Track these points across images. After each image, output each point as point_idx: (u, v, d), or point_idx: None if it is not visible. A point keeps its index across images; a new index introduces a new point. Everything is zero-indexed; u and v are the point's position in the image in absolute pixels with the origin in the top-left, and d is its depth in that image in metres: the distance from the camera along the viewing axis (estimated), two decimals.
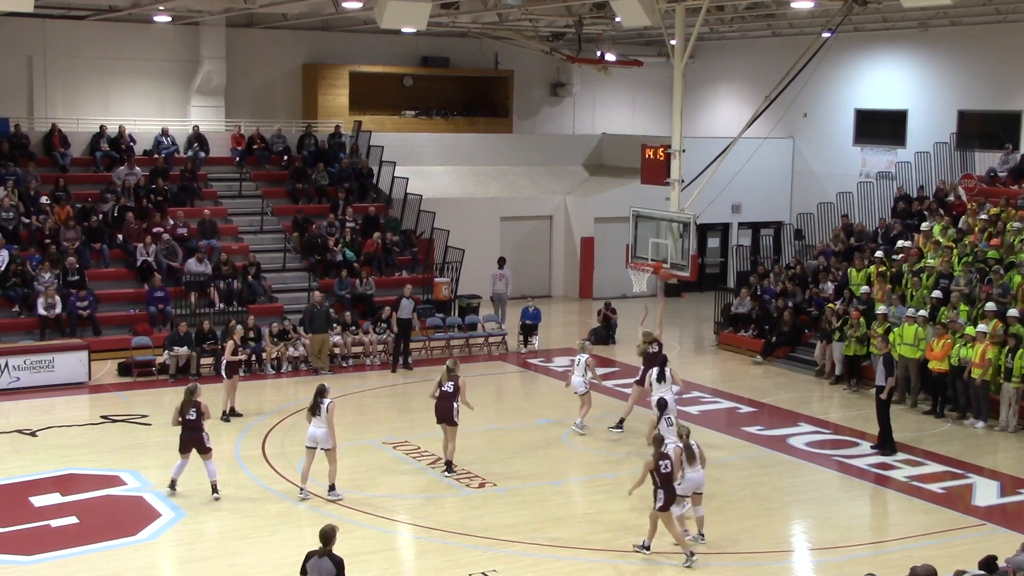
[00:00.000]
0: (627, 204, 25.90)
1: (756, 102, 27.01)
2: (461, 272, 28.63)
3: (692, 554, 13.60)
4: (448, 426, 16.76)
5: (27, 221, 25.82)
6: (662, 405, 16.21)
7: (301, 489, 15.69)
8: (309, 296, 26.40)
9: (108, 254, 26.07)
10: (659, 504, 13.49)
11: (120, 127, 29.28)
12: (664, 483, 13.44)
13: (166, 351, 22.76)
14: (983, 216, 25.24)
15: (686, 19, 24.24)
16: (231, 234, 28.08)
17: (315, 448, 15.58)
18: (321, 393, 15.53)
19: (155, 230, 26.40)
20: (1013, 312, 20.58)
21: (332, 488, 15.68)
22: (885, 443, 18.55)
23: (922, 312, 21.68)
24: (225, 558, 13.73)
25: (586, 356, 19.48)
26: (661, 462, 13.49)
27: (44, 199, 26.62)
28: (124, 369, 22.90)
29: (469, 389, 17.29)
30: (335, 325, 24.32)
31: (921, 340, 21.19)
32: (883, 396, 18.47)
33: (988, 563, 11.31)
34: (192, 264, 25.70)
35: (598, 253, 32.93)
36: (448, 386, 16.72)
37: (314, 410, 15.49)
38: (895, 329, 21.77)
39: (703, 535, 14.29)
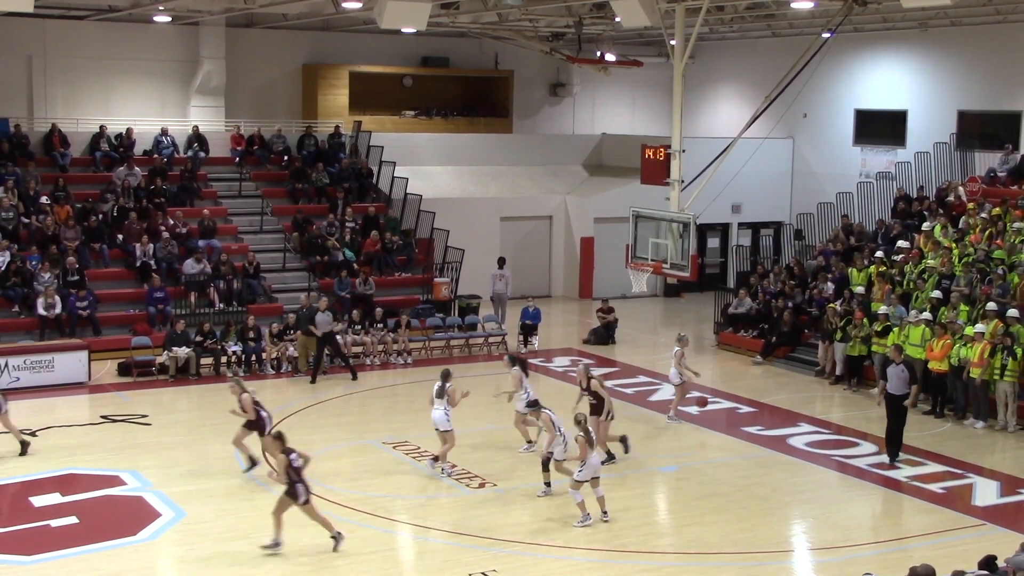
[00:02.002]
0: (627, 204, 25.94)
1: (756, 102, 27.04)
2: (461, 272, 28.64)
3: (340, 535, 13.82)
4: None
5: (27, 221, 25.82)
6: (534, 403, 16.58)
7: (443, 469, 16.87)
8: (309, 297, 26.43)
9: (108, 254, 26.08)
10: (302, 499, 13.61)
11: (128, 129, 29.25)
12: (299, 478, 13.60)
13: (166, 351, 22.76)
14: (983, 216, 25.25)
15: (686, 19, 24.26)
16: (231, 234, 28.08)
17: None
18: (445, 377, 16.77)
19: (156, 229, 26.41)
20: (1013, 312, 20.58)
21: (436, 459, 16.91)
22: (895, 451, 18.12)
23: (925, 314, 21.68)
24: (225, 558, 13.72)
25: (678, 348, 20.32)
26: (291, 456, 13.62)
27: (44, 199, 26.62)
28: (124, 369, 22.90)
29: (469, 390, 17.47)
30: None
31: (928, 342, 21.17)
32: (907, 404, 18.18)
33: (988, 563, 11.31)
34: (189, 264, 25.69)
35: (598, 253, 32.93)
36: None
37: (440, 393, 16.63)
38: (894, 329, 21.77)
39: (606, 512, 14.97)
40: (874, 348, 22.30)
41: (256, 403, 16.70)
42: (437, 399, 16.83)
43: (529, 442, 18.19)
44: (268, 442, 15.29)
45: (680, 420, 20.29)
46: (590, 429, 15.02)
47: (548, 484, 15.97)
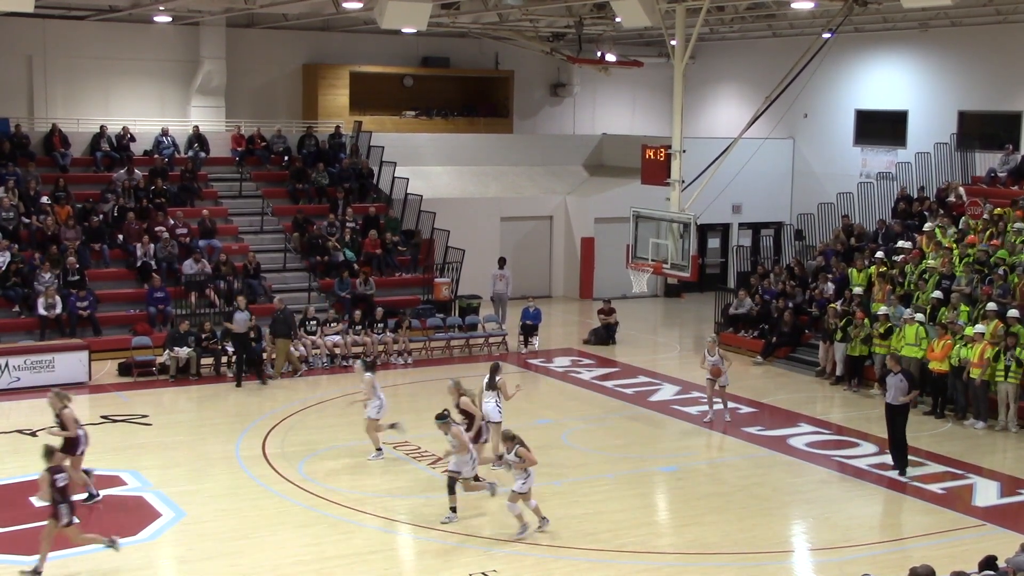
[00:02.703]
0: (627, 204, 25.94)
1: (756, 102, 27.04)
2: (461, 272, 28.63)
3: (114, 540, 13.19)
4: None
5: (27, 221, 25.82)
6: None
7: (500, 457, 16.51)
8: (309, 296, 26.46)
9: (108, 254, 26.07)
10: (63, 520, 13.00)
11: (124, 128, 29.27)
12: (63, 498, 13.03)
13: (166, 351, 22.75)
14: (984, 216, 25.25)
15: (686, 19, 24.26)
16: (231, 234, 28.08)
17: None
18: (495, 370, 17.11)
19: (155, 230, 26.41)
20: (1013, 312, 20.57)
21: (500, 458, 16.53)
22: (903, 462, 17.65)
23: (919, 315, 21.68)
24: (225, 558, 13.73)
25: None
26: (56, 476, 13.04)
27: (44, 199, 26.62)
28: (124, 369, 22.90)
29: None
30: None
31: (923, 340, 21.19)
32: (906, 399, 17.42)
33: (988, 563, 11.30)
34: (189, 264, 25.69)
35: (598, 253, 32.93)
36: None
37: (491, 386, 16.94)
38: (894, 332, 21.78)
39: (545, 519, 14.61)
40: (876, 349, 22.29)
41: (76, 420, 15.54)
42: (488, 391, 16.98)
43: (378, 450, 17.53)
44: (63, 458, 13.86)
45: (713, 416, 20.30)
46: (523, 444, 14.31)
47: (454, 510, 14.89)
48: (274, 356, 23.47)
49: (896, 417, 17.53)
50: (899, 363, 18.01)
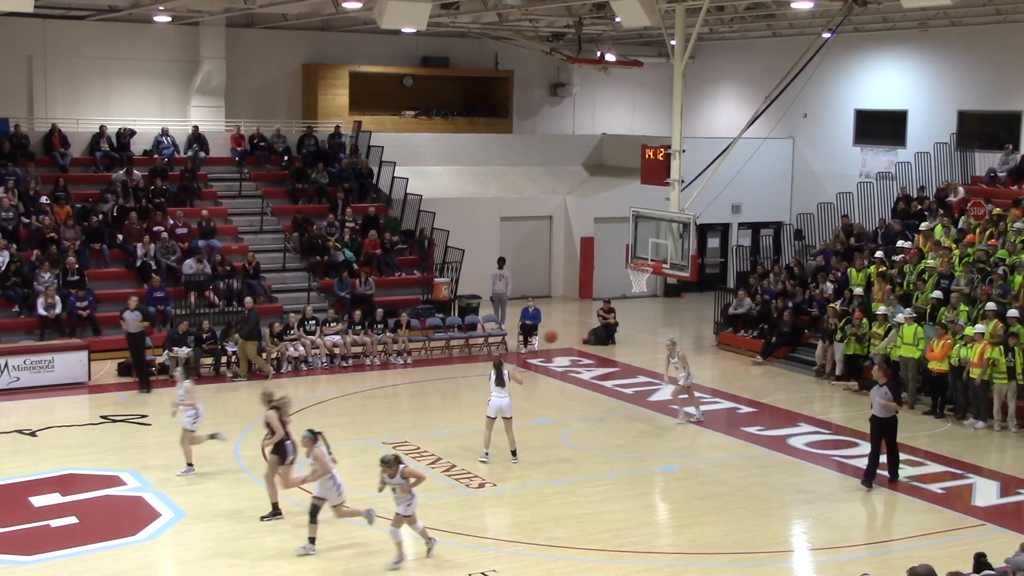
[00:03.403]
0: (627, 204, 25.95)
1: (756, 102, 27.04)
2: (461, 272, 28.63)
3: None
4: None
5: (27, 221, 25.82)
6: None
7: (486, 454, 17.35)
8: (308, 296, 26.46)
9: (108, 254, 26.07)
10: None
11: (122, 129, 29.26)
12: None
13: (166, 351, 22.75)
14: (986, 217, 25.24)
15: (686, 19, 24.27)
16: (231, 234, 28.08)
17: (494, 419, 17.16)
18: (501, 365, 17.23)
19: (155, 229, 26.41)
20: (1013, 312, 20.57)
21: (514, 453, 17.40)
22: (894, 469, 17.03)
23: (899, 315, 21.68)
24: (225, 558, 13.72)
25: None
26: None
27: (44, 199, 26.62)
28: (124, 369, 22.89)
29: (469, 390, 17.62)
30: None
31: (920, 340, 21.19)
32: (892, 407, 16.66)
33: (979, 561, 11.28)
34: (189, 264, 25.68)
35: (598, 253, 32.93)
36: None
37: (500, 381, 17.02)
38: (888, 336, 21.80)
39: (434, 539, 13.77)
40: (876, 350, 22.27)
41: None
42: (498, 387, 17.08)
43: (189, 465, 16.62)
44: None
45: (687, 420, 20.24)
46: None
47: (312, 540, 13.69)
48: (274, 356, 23.48)
49: (886, 430, 16.67)
50: (886, 374, 16.88)
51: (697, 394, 21.06)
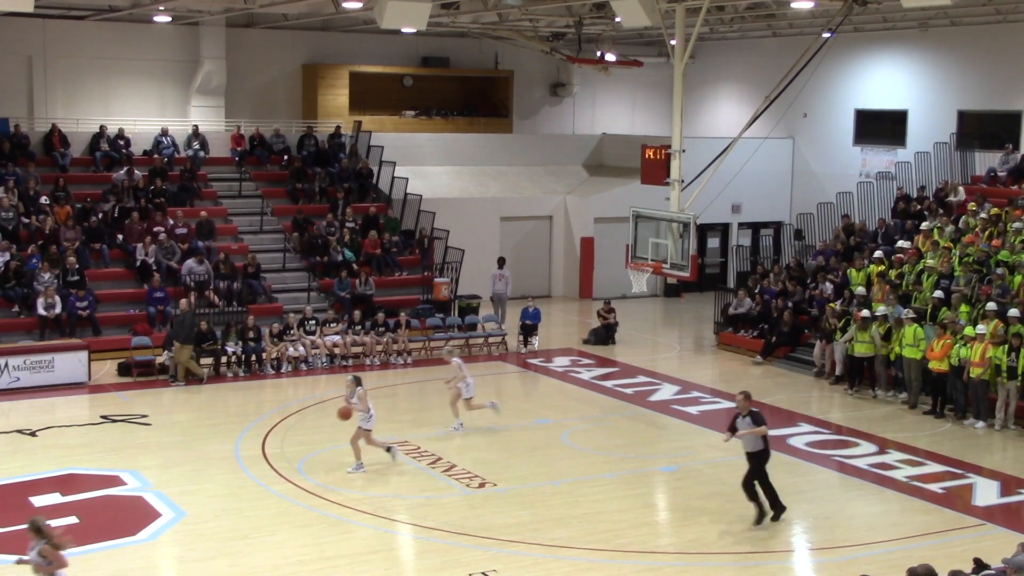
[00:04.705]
0: (627, 204, 25.95)
1: (756, 102, 27.05)
2: (461, 272, 28.63)
3: None
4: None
5: (27, 221, 25.82)
6: None
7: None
8: (308, 296, 26.46)
9: (108, 254, 26.06)
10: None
11: (120, 130, 29.27)
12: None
13: (166, 351, 22.75)
14: (983, 215, 25.26)
15: (686, 19, 24.27)
16: (231, 234, 28.08)
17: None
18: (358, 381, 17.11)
19: (155, 229, 26.40)
20: (1014, 312, 20.57)
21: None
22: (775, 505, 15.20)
23: (911, 313, 21.67)
24: (225, 558, 13.73)
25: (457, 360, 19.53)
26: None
27: (44, 199, 26.62)
28: (124, 369, 22.89)
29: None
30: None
31: (921, 340, 21.19)
32: (759, 432, 14.87)
33: (979, 564, 11.29)
34: (190, 265, 25.67)
35: (598, 253, 32.93)
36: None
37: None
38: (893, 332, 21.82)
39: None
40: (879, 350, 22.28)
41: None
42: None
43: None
44: None
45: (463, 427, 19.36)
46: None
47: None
48: (274, 356, 23.47)
49: (756, 467, 15.01)
50: (749, 399, 15.02)
51: (695, 393, 21.03)
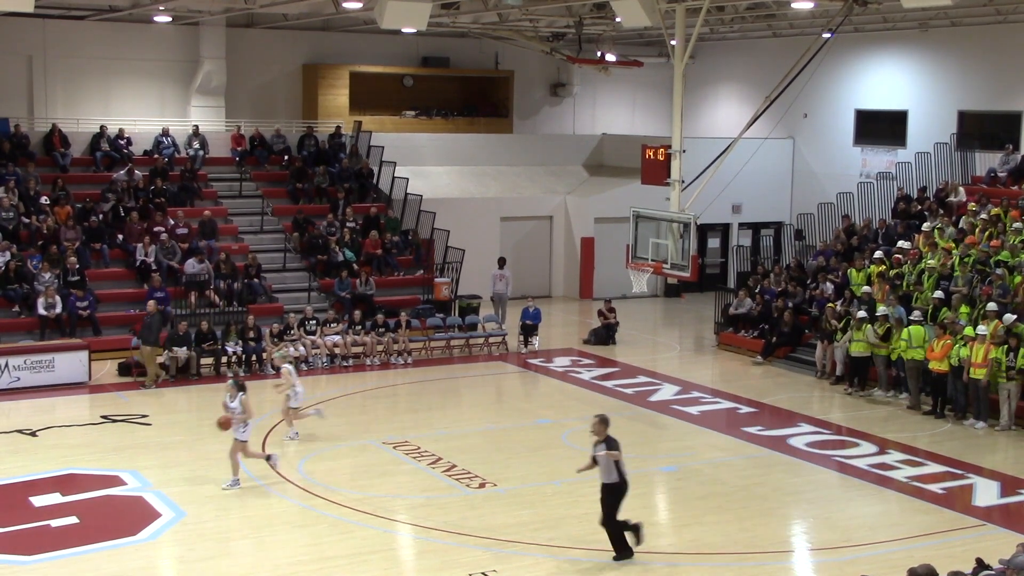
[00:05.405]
0: (627, 204, 25.94)
1: (756, 102, 27.04)
2: (461, 272, 28.63)
3: None
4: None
5: (27, 221, 25.82)
6: None
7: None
8: (309, 296, 26.46)
9: (108, 254, 26.06)
10: None
11: (120, 130, 29.28)
12: None
13: (166, 351, 22.75)
14: (983, 216, 25.26)
15: (686, 19, 24.26)
16: (231, 234, 28.08)
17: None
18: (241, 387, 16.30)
19: (155, 230, 26.41)
20: (1009, 317, 20.56)
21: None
22: (620, 548, 13.71)
23: (917, 315, 21.68)
24: (225, 558, 13.73)
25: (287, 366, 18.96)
26: None
27: (44, 199, 26.62)
28: (124, 369, 22.89)
29: (469, 390, 17.43)
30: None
31: (926, 341, 21.16)
32: (615, 454, 13.60)
33: (980, 564, 11.29)
34: (190, 264, 25.68)
35: (598, 253, 32.93)
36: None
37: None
38: (893, 331, 21.79)
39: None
40: (876, 351, 22.26)
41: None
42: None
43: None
44: None
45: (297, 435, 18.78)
46: None
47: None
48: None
49: (611, 503, 13.63)
50: (606, 424, 13.66)
51: (696, 393, 21.03)
